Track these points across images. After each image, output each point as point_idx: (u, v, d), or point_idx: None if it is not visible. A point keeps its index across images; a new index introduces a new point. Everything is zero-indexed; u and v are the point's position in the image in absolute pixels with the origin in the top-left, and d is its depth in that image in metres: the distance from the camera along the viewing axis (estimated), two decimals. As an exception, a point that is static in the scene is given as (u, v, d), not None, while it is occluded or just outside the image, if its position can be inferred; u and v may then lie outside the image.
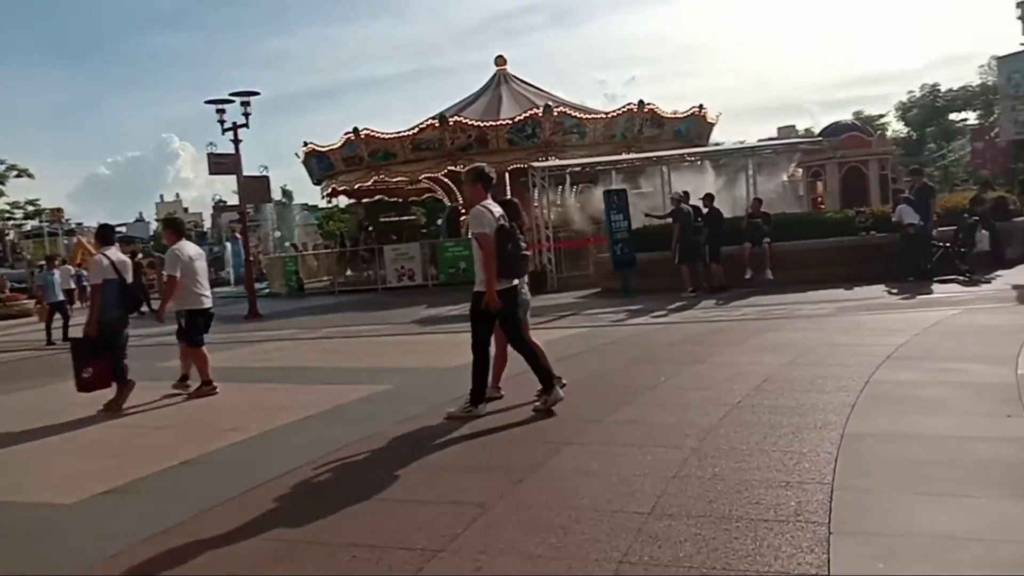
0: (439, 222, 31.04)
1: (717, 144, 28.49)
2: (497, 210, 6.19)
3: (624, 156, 20.62)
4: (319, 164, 28.37)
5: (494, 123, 24.20)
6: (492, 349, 6.42)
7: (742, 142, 37.13)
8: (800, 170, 22.87)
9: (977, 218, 14.19)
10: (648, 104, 24.06)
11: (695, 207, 15.14)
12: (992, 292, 11.87)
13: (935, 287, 12.85)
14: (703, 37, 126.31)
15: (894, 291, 12.77)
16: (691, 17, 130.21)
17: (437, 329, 13.42)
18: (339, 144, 26.62)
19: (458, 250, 23.57)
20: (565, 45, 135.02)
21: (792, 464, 4.33)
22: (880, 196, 18.15)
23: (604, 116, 24.47)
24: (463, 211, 28.15)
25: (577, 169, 21.55)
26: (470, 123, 24.28)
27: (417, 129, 24.73)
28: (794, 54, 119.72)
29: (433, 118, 24.49)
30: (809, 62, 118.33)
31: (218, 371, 8.39)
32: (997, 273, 13.72)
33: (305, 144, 28.56)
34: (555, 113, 23.27)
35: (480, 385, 6.19)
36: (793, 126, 70.32)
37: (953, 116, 45.66)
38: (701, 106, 26.16)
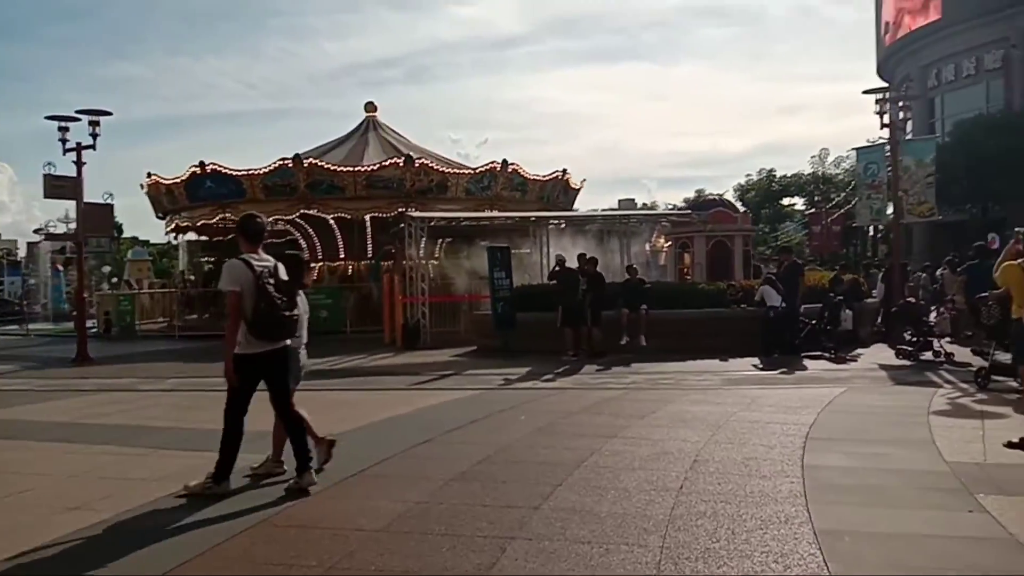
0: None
1: (586, 210, 29.12)
2: (260, 264, 5.53)
3: (504, 213, 20.40)
4: (165, 197, 26.26)
5: (352, 168, 23.37)
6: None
7: (595, 210, 38.33)
8: (661, 239, 23.58)
9: (842, 297, 14.92)
10: (512, 164, 24.07)
11: (576, 269, 15.01)
12: (862, 370, 12.32)
13: (806, 363, 13.26)
14: (557, 106, 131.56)
15: (767, 366, 13.04)
16: (545, 85, 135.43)
17: (303, 386, 12.23)
18: (184, 177, 24.77)
19: (318, 298, 22.30)
20: (421, 101, 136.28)
21: (782, 570, 3.84)
22: (743, 270, 18.93)
23: (468, 172, 24.25)
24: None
25: (449, 223, 21.02)
26: (325, 167, 23.31)
27: (269, 168, 23.37)
28: (633, 130, 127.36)
29: (285, 158, 23.27)
30: (646, 139, 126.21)
31: (47, 428, 6.96)
32: (858, 351, 14.42)
33: (149, 175, 26.39)
34: (416, 165, 22.80)
35: (226, 458, 5.50)
36: (633, 199, 73.87)
37: (785, 201, 49.72)
38: (565, 170, 26.44)
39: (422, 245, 18.03)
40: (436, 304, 17.94)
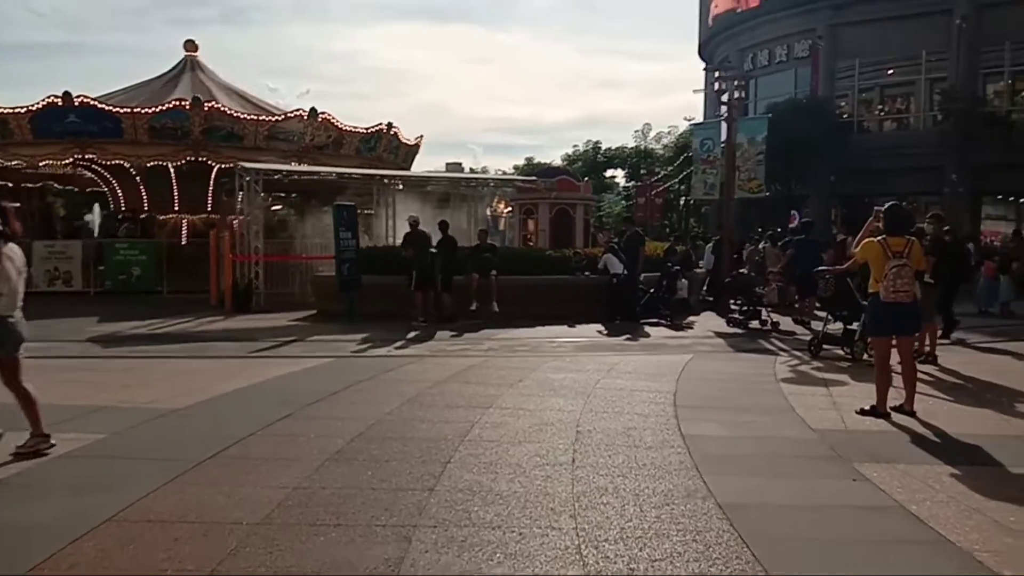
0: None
1: (423, 171, 28.36)
2: None
3: (349, 170, 19.28)
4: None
5: (130, 110, 20.99)
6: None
7: (429, 172, 37.68)
8: (502, 205, 23.57)
9: (679, 268, 15.57)
10: (322, 113, 22.43)
11: (427, 232, 14.57)
12: (700, 337, 12.90)
13: (648, 329, 13.73)
14: (382, 62, 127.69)
15: (611, 332, 13.35)
16: (369, 39, 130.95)
17: (126, 352, 11.00)
18: (38, 106, 21.26)
19: (132, 253, 20.27)
20: (238, 45, 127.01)
21: (712, 554, 3.76)
22: (584, 238, 19.31)
23: (267, 120, 22.29)
24: (124, 212, 24.44)
25: (286, 177, 19.61)
26: (99, 106, 20.64)
27: (38, 106, 20.61)
28: (459, 93, 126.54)
29: (56, 96, 20.55)
30: (472, 103, 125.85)
31: None
32: (691, 319, 15.15)
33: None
34: (205, 108, 20.80)
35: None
36: (460, 163, 73.94)
37: (609, 172, 51.67)
38: (390, 124, 24.79)
39: (258, 200, 16.70)
40: (269, 264, 16.81)
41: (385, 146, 24.14)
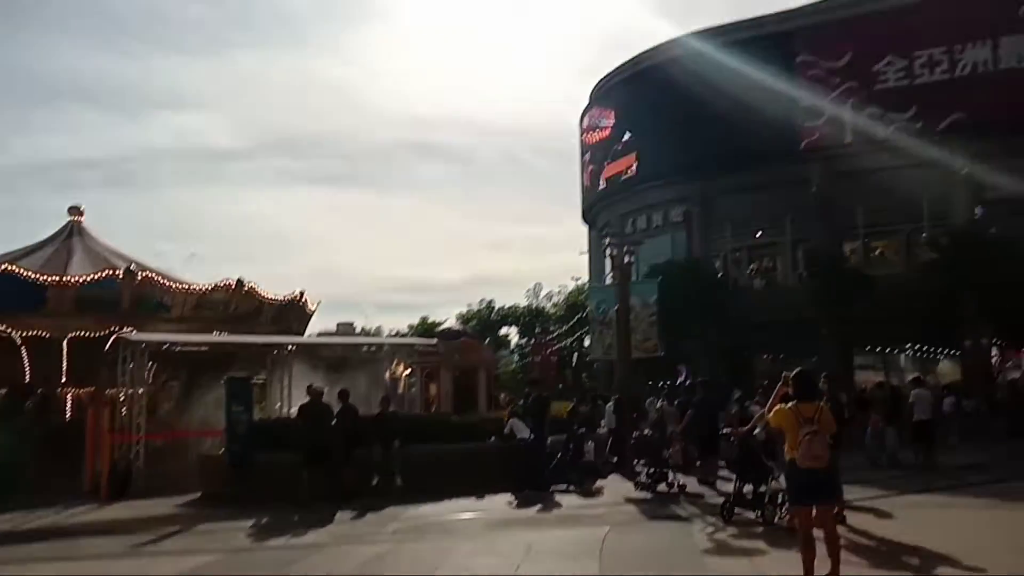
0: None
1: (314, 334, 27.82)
2: None
3: (242, 338, 18.61)
4: None
5: (57, 280, 20.14)
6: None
7: (319, 334, 37.06)
8: (400, 367, 23.15)
9: (584, 429, 15.50)
10: (249, 283, 22.39)
11: (326, 403, 14.01)
12: (612, 504, 12.65)
13: (558, 498, 13.37)
14: (273, 225, 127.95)
15: (521, 503, 12.93)
16: (260, 202, 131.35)
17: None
18: None
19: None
20: (124, 208, 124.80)
21: None
22: (488, 402, 19.09)
23: (198, 290, 22.06)
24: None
25: (174, 348, 18.68)
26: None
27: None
28: (350, 254, 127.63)
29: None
30: (363, 264, 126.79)
31: None
32: (599, 483, 14.90)
33: None
34: (139, 278, 20.30)
35: None
36: (352, 323, 73.35)
37: (503, 331, 52.45)
38: (302, 292, 25.13)
39: (142, 373, 15.72)
40: (152, 443, 15.59)
41: (295, 314, 23.94)
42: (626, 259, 17.98)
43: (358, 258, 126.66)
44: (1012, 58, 27.91)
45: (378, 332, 66.74)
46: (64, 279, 19.89)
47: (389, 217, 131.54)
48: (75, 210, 25.66)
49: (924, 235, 29.37)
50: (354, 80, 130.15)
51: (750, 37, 32.23)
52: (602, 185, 39.13)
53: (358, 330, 68.36)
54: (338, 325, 72.68)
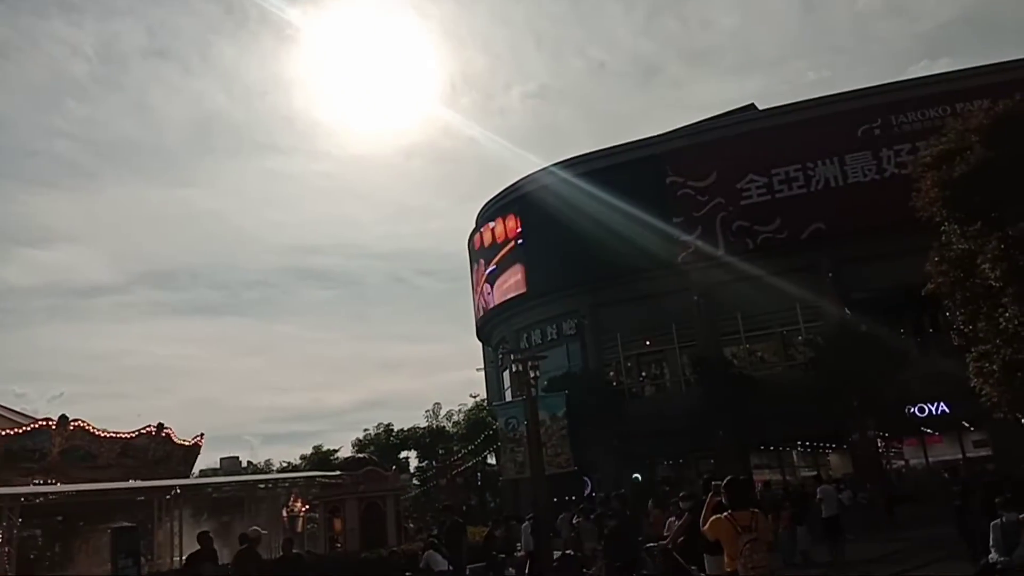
0: None
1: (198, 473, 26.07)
2: None
3: (121, 485, 17.28)
4: None
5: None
6: None
7: (202, 472, 34.80)
8: (299, 504, 21.93)
9: (504, 555, 14.96)
10: (75, 419, 21.03)
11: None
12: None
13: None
14: (148, 359, 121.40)
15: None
16: (134, 337, 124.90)
17: None
18: None
19: None
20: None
21: None
22: (398, 534, 18.13)
23: (125, 437, 20.89)
24: None
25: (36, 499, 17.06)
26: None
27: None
28: (232, 385, 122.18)
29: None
30: (246, 394, 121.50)
31: None
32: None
33: None
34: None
35: None
36: (237, 457, 69.66)
37: (403, 454, 50.64)
38: (161, 425, 23.61)
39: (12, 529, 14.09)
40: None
41: (164, 451, 22.36)
42: (532, 374, 18.05)
43: (241, 388, 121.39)
44: (857, 172, 31.02)
45: (267, 466, 63.32)
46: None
47: (272, 345, 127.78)
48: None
49: (800, 336, 31.19)
50: (230, 210, 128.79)
51: (625, 161, 34.55)
52: (494, 302, 39.68)
53: (244, 464, 64.73)
54: (221, 459, 68.66)
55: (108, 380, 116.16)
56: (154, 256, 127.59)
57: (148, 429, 20.58)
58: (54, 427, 18.52)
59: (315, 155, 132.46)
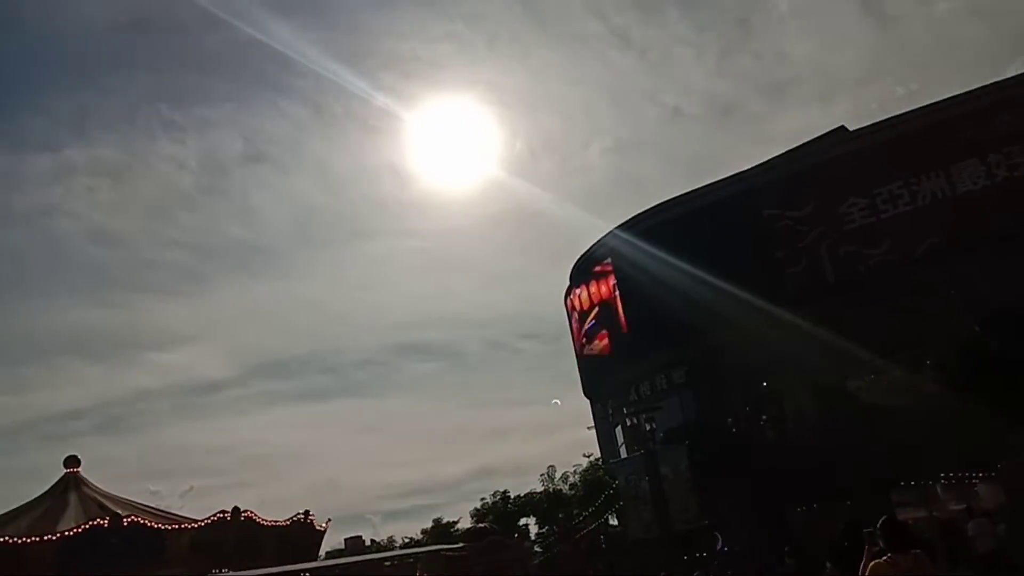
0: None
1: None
2: None
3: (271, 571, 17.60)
4: None
5: (38, 539, 19.59)
6: None
7: (327, 554, 35.23)
8: (426, 579, 21.79)
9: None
10: (245, 511, 21.79)
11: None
12: None
13: None
14: (266, 448, 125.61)
15: None
16: (252, 428, 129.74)
17: None
18: None
19: None
20: (115, 452, 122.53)
21: None
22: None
23: (192, 526, 21.35)
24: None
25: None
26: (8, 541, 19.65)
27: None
28: (348, 465, 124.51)
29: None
30: (363, 473, 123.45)
31: None
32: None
33: None
34: (125, 523, 19.71)
35: None
36: (360, 536, 70.53)
37: (522, 521, 50.03)
38: (307, 512, 24.60)
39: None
40: None
41: (303, 539, 23.06)
42: (648, 427, 17.53)
43: (357, 468, 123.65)
44: (966, 181, 29.36)
45: (390, 543, 63.74)
46: (182, 526, 19.94)
47: (383, 421, 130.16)
48: (72, 460, 25.13)
49: (928, 360, 29.30)
50: (331, 296, 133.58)
51: (715, 200, 33.87)
52: (596, 358, 39.19)
53: (368, 543, 65.35)
54: (345, 540, 69.79)
55: (231, 471, 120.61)
56: (265, 348, 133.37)
57: (298, 517, 21.19)
58: (229, 518, 19.35)
59: (406, 233, 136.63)
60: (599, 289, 38.48)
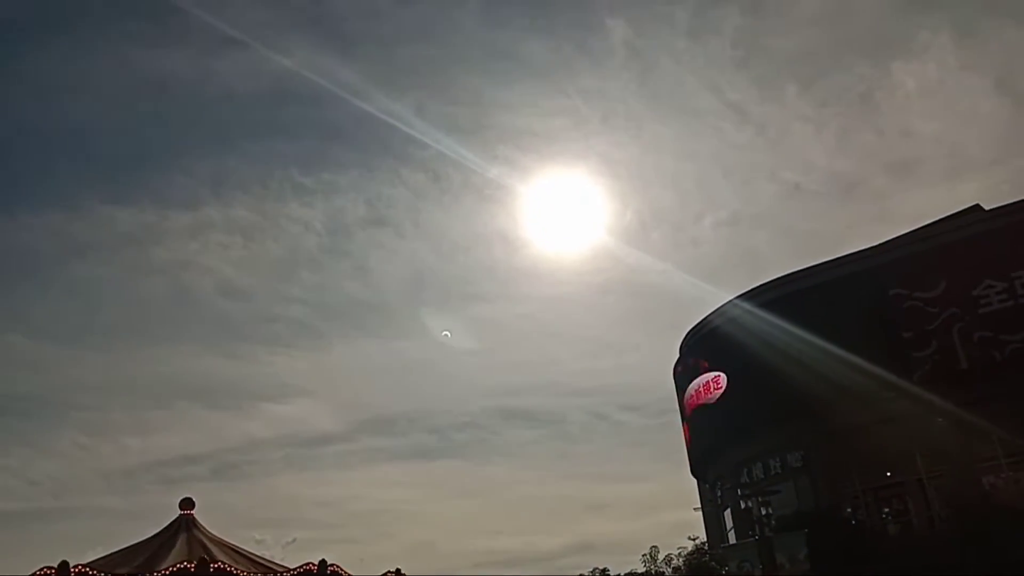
0: None
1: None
2: None
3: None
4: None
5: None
6: None
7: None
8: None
9: None
10: (332, 564, 21.82)
11: None
12: None
13: None
14: (369, 503, 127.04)
15: None
16: (357, 483, 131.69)
17: None
18: None
19: None
20: (227, 498, 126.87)
21: None
22: None
23: (278, 573, 21.62)
24: None
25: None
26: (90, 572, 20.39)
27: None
28: (447, 528, 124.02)
29: (50, 567, 20.45)
30: (461, 538, 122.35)
31: None
32: None
33: None
34: (211, 568, 20.25)
35: None
36: (452, 603, 69.27)
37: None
38: (399, 570, 24.45)
39: None
40: None
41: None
42: (762, 511, 16.64)
43: (455, 531, 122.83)
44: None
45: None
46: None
47: (484, 486, 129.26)
48: (187, 503, 26.08)
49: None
50: (440, 358, 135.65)
51: (840, 276, 32.44)
52: (706, 436, 37.78)
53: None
54: (439, 606, 68.73)
55: (335, 525, 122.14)
56: (374, 405, 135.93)
57: (307, 566, 21.07)
58: (315, 570, 19.51)
59: (515, 299, 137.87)
60: (711, 385, 36.91)
